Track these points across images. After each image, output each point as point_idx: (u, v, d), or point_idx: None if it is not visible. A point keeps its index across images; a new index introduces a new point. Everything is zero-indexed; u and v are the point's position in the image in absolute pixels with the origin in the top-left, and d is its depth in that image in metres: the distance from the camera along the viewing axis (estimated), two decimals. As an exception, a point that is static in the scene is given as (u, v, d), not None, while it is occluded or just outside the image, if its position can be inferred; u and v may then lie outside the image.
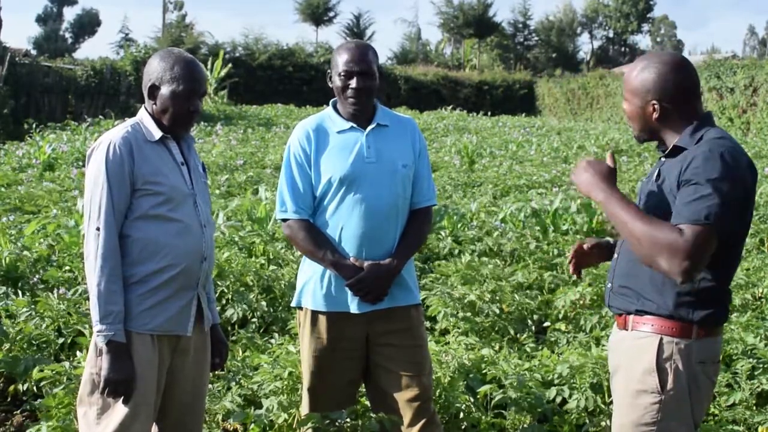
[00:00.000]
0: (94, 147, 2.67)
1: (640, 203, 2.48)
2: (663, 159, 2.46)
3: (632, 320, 2.42)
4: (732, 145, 2.32)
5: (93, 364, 2.64)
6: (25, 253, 5.55)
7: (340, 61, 2.97)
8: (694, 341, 2.34)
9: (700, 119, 2.41)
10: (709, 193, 2.22)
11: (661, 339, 2.34)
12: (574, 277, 2.64)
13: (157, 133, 2.69)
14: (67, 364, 3.67)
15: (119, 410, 2.59)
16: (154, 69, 2.70)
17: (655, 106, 2.40)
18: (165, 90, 2.68)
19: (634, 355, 2.39)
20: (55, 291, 4.72)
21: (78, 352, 4.02)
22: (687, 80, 2.41)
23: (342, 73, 2.96)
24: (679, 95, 2.40)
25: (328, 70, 3.05)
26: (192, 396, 2.80)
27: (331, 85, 3.04)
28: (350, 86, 2.95)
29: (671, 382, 2.33)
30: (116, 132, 2.68)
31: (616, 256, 2.55)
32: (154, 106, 2.72)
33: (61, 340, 4.31)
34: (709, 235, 2.21)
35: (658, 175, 2.42)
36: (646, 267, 2.32)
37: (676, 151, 2.39)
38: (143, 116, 2.74)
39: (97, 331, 2.54)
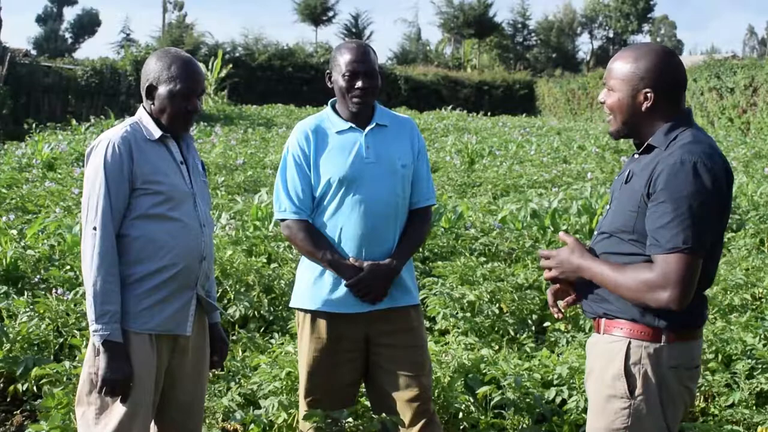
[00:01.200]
0: (93, 146, 2.67)
1: (611, 202, 2.46)
2: (636, 156, 2.42)
3: (604, 324, 2.38)
4: (707, 151, 2.25)
5: (91, 363, 2.64)
6: (28, 252, 5.55)
7: (344, 60, 2.96)
8: (665, 345, 2.29)
9: (678, 119, 2.35)
10: (682, 214, 2.17)
11: (630, 343, 2.30)
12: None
13: (157, 132, 2.70)
14: (67, 363, 3.67)
15: (118, 410, 2.59)
16: (152, 69, 2.71)
17: (648, 95, 2.33)
18: (162, 90, 2.68)
19: (605, 359, 2.36)
20: (54, 291, 4.72)
21: (77, 353, 4.02)
22: (680, 72, 2.37)
23: (346, 74, 2.95)
24: (672, 86, 2.35)
25: (328, 71, 3.05)
26: (191, 396, 2.80)
27: (330, 85, 3.04)
28: (356, 86, 2.95)
29: (640, 387, 2.29)
30: (115, 131, 2.68)
31: None
32: (152, 105, 2.72)
33: (60, 341, 4.31)
34: (690, 260, 2.19)
35: (629, 174, 2.38)
36: None
37: (649, 149, 2.35)
38: (142, 115, 2.74)
39: (93, 331, 2.55)
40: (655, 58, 2.34)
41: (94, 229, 2.57)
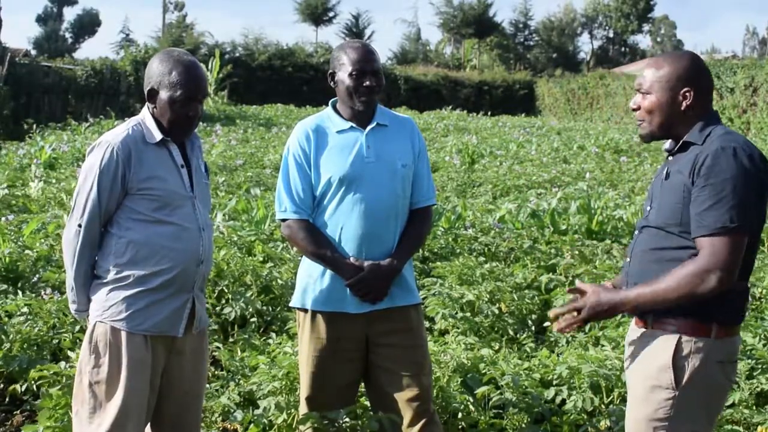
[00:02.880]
0: (94, 145, 2.70)
1: (652, 203, 2.50)
2: (670, 157, 2.49)
3: (652, 320, 2.43)
4: (742, 139, 2.36)
5: (86, 362, 2.66)
6: (26, 252, 5.54)
7: (350, 60, 2.96)
8: (714, 341, 2.36)
9: (709, 117, 2.46)
10: (726, 195, 2.25)
11: (680, 337, 2.36)
12: (571, 285, 2.61)
13: (158, 135, 2.70)
14: (63, 363, 3.67)
15: (111, 409, 2.61)
16: (154, 72, 2.70)
17: (687, 94, 2.42)
18: (163, 95, 2.68)
19: (652, 352, 2.41)
20: (44, 292, 4.72)
21: (71, 353, 4.01)
22: (710, 74, 2.51)
23: (354, 73, 2.94)
24: (707, 86, 2.47)
25: (330, 70, 3.04)
26: (189, 397, 2.81)
27: (333, 85, 3.04)
28: (364, 84, 2.95)
29: (687, 380, 2.35)
30: (117, 133, 2.68)
31: (627, 260, 2.56)
32: (154, 109, 2.72)
33: (56, 341, 4.30)
34: (737, 237, 2.26)
35: (668, 173, 2.45)
36: (658, 267, 2.37)
37: (685, 146, 2.43)
38: (145, 116, 2.74)
39: (75, 310, 2.78)
40: (691, 60, 2.48)
41: (79, 226, 2.65)
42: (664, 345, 2.38)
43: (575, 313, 2.48)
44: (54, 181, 9.64)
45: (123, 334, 2.63)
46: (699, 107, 2.45)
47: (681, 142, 2.44)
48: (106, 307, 2.66)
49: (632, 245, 2.55)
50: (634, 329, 2.54)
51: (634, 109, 2.53)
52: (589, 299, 2.45)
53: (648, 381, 2.41)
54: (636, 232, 2.56)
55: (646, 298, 2.36)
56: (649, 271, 2.41)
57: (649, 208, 2.51)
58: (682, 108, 2.44)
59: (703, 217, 2.28)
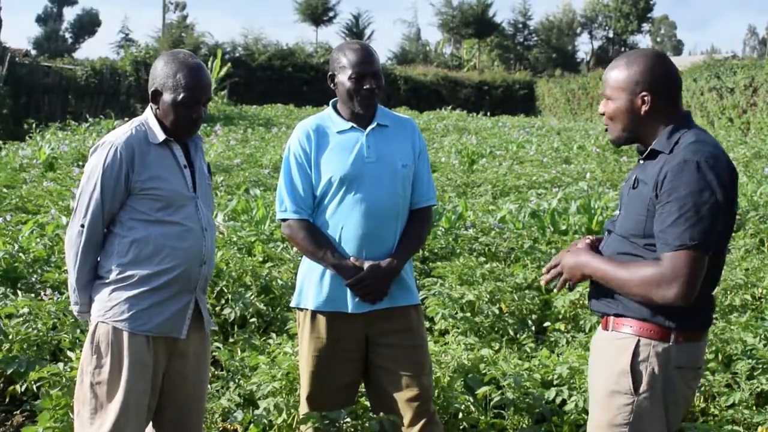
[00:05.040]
0: (97, 145, 2.70)
1: (621, 209, 2.48)
2: (641, 162, 2.44)
3: (613, 321, 2.41)
4: (710, 150, 2.28)
5: (87, 362, 2.66)
6: (20, 254, 5.51)
7: (350, 62, 2.96)
8: (673, 345, 2.32)
9: (678, 121, 2.38)
10: (687, 211, 2.20)
11: (639, 341, 2.33)
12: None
13: (161, 136, 2.70)
14: (61, 365, 3.67)
15: (112, 410, 2.61)
16: (158, 74, 2.70)
17: (645, 98, 2.36)
18: (167, 97, 2.68)
19: (612, 355, 2.39)
20: (44, 293, 4.72)
21: (71, 353, 4.01)
22: (673, 72, 2.41)
23: (353, 75, 2.94)
24: (668, 87, 2.38)
25: (330, 72, 3.04)
26: (191, 399, 2.81)
27: (332, 86, 3.04)
28: (364, 87, 2.95)
29: (645, 385, 2.32)
30: (121, 134, 2.68)
31: None
32: (157, 110, 2.72)
33: (56, 341, 4.30)
34: (696, 256, 2.22)
35: (635, 180, 2.40)
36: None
37: (654, 154, 2.38)
38: (149, 117, 2.74)
39: (78, 312, 2.78)
40: (647, 61, 2.39)
41: (82, 226, 2.65)
42: (623, 348, 2.35)
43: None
44: (39, 180, 9.62)
45: (125, 335, 2.63)
46: (662, 110, 2.37)
47: (649, 149, 2.39)
48: (108, 308, 2.66)
49: (602, 246, 2.51)
50: (598, 331, 2.52)
51: (601, 114, 2.50)
52: (564, 259, 2.48)
53: (608, 386, 2.38)
54: (605, 233, 2.53)
55: (605, 276, 2.36)
56: None
57: (618, 212, 2.49)
58: (642, 113, 2.38)
59: (665, 233, 2.23)
